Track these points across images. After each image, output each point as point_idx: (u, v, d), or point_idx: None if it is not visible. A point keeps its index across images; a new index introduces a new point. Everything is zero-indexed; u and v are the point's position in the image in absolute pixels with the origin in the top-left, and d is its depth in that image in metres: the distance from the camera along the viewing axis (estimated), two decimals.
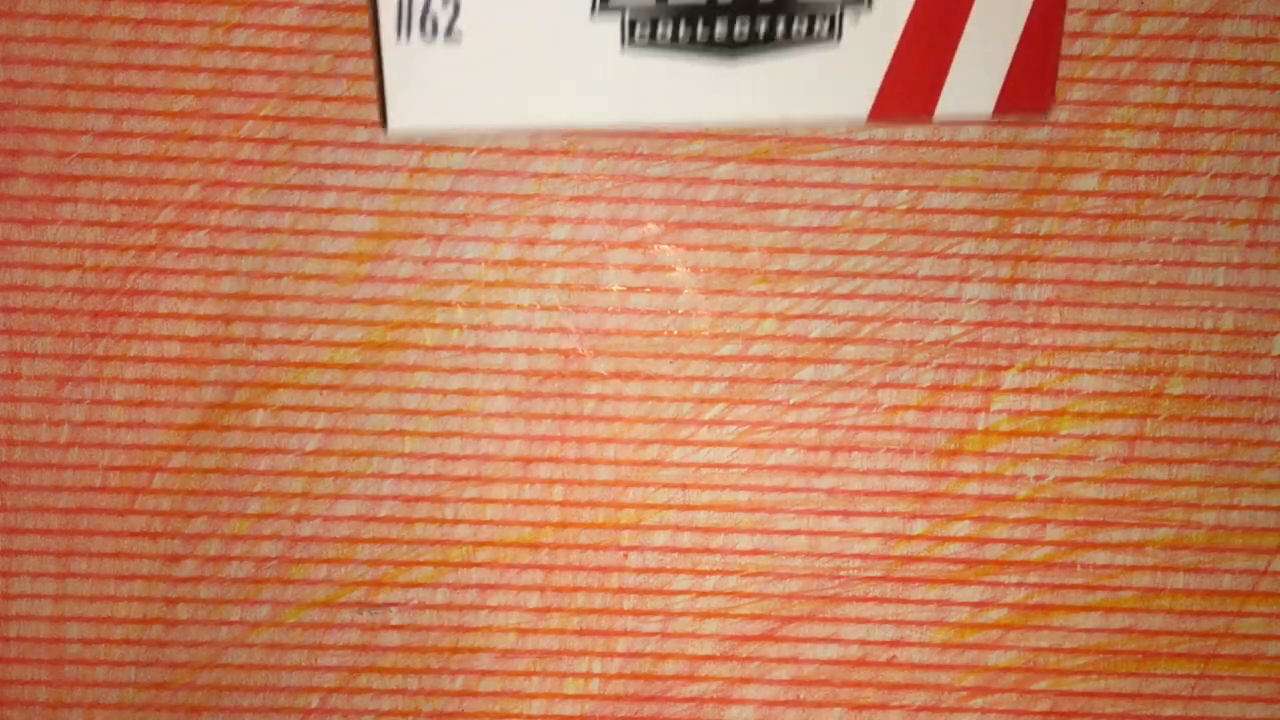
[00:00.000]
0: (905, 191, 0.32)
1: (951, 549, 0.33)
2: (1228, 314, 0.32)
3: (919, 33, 0.25)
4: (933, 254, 0.33)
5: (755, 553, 0.33)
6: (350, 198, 0.32)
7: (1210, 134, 0.32)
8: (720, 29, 0.25)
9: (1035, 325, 0.32)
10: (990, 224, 0.32)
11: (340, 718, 0.34)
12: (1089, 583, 0.33)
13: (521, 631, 0.33)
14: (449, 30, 0.24)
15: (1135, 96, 0.32)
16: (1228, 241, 0.32)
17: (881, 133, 0.32)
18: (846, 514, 0.33)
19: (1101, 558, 0.33)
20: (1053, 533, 0.33)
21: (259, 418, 0.33)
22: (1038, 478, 0.33)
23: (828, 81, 0.25)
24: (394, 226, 0.32)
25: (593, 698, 0.34)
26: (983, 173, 0.32)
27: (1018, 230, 0.32)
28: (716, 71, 0.25)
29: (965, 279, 0.33)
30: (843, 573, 0.33)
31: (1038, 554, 0.33)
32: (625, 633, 0.33)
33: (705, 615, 0.33)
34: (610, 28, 0.25)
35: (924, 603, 0.33)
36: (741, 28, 0.25)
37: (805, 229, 0.32)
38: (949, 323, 0.33)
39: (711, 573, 0.33)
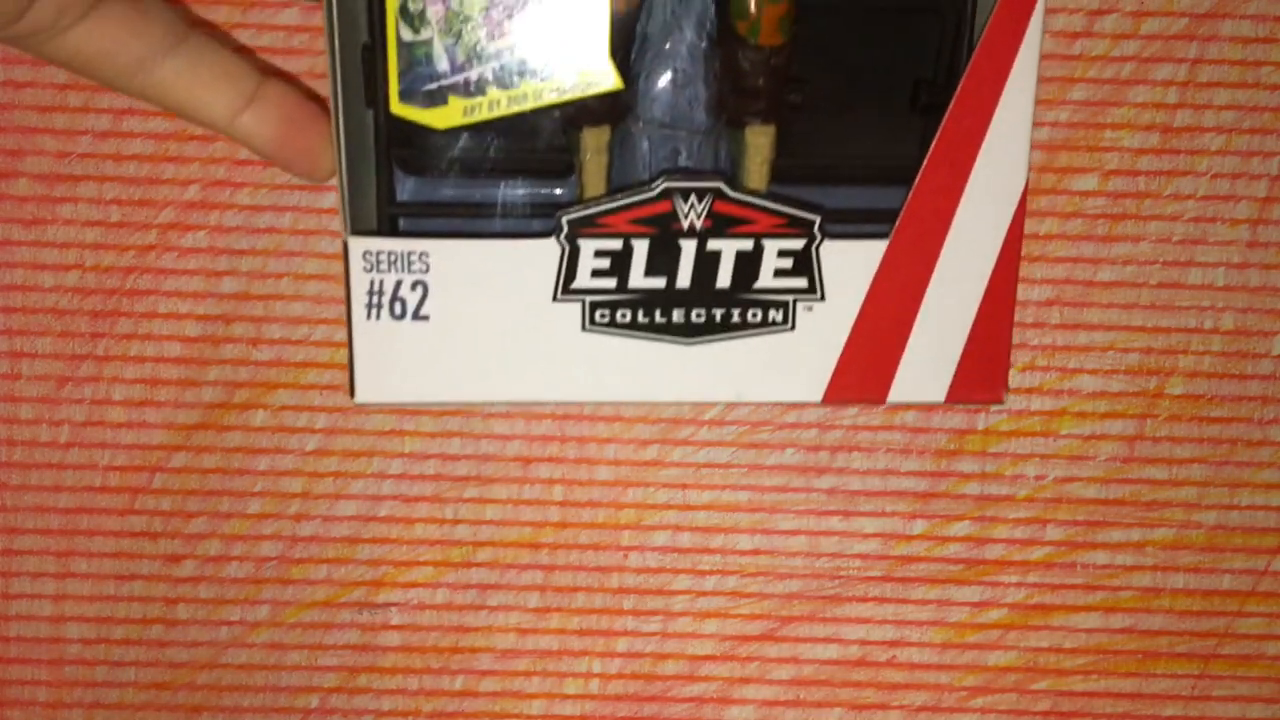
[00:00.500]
0: None
1: (951, 549, 0.33)
2: (1228, 314, 0.32)
3: (871, 322, 0.26)
4: None
5: (755, 553, 0.33)
6: None
7: (1210, 134, 0.32)
8: (678, 315, 0.26)
9: (1035, 325, 0.32)
10: None
11: (340, 718, 0.34)
12: (1089, 583, 0.33)
13: (521, 631, 0.33)
14: (416, 312, 0.26)
15: (1135, 96, 0.32)
16: (1228, 241, 0.32)
17: None
18: (846, 514, 0.33)
19: (1101, 558, 0.33)
20: (1053, 533, 0.33)
21: (259, 418, 0.33)
22: (1038, 478, 0.33)
23: (782, 364, 0.26)
24: None
25: (593, 698, 0.34)
26: None
27: None
28: (673, 351, 0.26)
29: None
30: (843, 573, 0.33)
31: (1038, 554, 0.33)
32: (625, 633, 0.33)
33: (705, 615, 0.33)
34: (572, 310, 0.26)
35: (924, 603, 0.33)
36: (698, 314, 0.26)
37: None
38: None
39: (711, 573, 0.33)
